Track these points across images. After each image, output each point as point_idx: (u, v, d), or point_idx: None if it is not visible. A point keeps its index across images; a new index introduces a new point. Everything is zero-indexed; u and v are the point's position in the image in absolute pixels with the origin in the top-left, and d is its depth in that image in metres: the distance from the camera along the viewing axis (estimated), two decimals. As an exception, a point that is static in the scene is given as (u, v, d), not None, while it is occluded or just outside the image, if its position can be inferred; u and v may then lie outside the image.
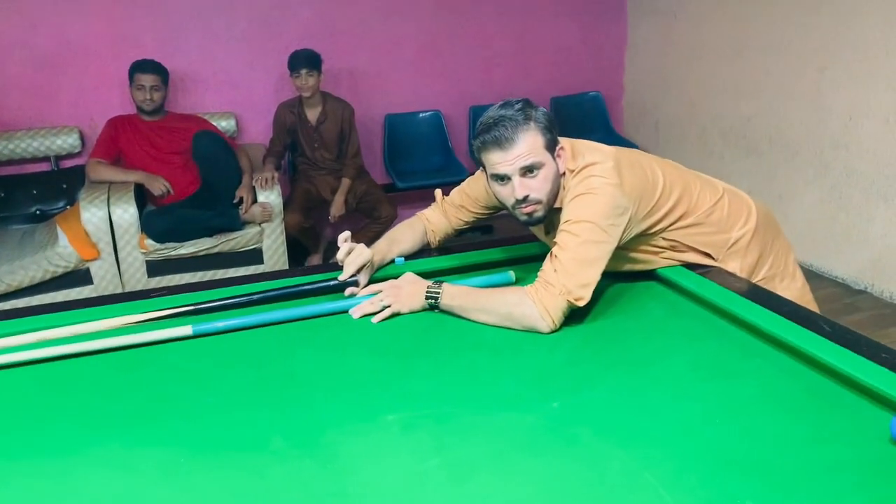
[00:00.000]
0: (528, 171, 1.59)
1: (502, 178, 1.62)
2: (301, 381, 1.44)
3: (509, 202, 1.65)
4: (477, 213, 1.93)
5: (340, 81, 4.45)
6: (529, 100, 1.64)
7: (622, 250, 1.72)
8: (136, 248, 3.67)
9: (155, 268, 3.74)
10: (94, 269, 3.63)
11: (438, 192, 2.01)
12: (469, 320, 1.64)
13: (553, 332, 1.57)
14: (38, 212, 3.95)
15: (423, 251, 1.98)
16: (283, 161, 4.22)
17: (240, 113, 4.35)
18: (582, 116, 5.00)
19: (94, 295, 3.67)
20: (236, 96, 4.35)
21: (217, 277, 3.83)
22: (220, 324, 1.60)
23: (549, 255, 1.63)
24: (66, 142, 4.03)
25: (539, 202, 1.63)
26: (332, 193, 4.09)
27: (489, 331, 1.60)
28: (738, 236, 1.80)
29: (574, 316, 1.62)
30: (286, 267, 3.89)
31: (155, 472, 1.16)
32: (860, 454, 1.15)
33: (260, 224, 3.82)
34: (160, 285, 3.77)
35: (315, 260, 4.16)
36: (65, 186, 3.97)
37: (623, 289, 1.79)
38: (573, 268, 1.57)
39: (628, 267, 1.79)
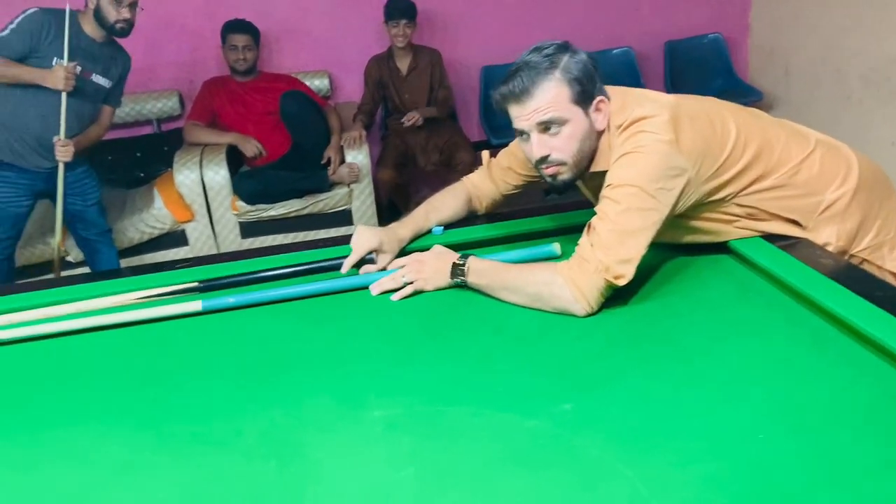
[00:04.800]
0: (546, 127, 1.39)
1: (522, 134, 1.43)
2: (296, 365, 1.32)
3: (532, 161, 1.45)
4: (525, 175, 1.72)
5: (435, 30, 4.26)
6: (568, 44, 1.42)
7: (683, 219, 1.47)
8: (229, 210, 3.71)
9: (248, 229, 3.77)
10: (190, 230, 3.70)
11: (486, 153, 1.82)
12: (497, 300, 1.46)
13: (589, 315, 1.36)
14: (141, 175, 4.07)
15: (467, 219, 1.79)
16: (374, 119, 4.12)
17: (333, 71, 4.27)
18: (700, 62, 4.54)
19: (190, 255, 3.75)
20: (329, 54, 4.26)
21: (308, 239, 3.83)
22: (231, 300, 1.50)
23: (587, 226, 1.41)
24: (167, 105, 4.10)
25: (562, 163, 1.42)
26: (423, 151, 3.97)
27: (518, 314, 1.41)
28: (833, 199, 1.49)
29: (620, 294, 1.40)
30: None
31: (112, 467, 1.08)
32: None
33: (348, 185, 3.75)
34: (253, 246, 3.80)
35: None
36: (166, 149, 4.05)
37: (685, 263, 1.54)
38: (612, 241, 1.35)
39: (692, 238, 1.53)
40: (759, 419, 1.05)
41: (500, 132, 4.16)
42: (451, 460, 1.03)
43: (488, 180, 1.78)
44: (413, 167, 4.05)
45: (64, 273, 3.33)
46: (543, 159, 1.41)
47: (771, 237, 1.50)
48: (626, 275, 1.35)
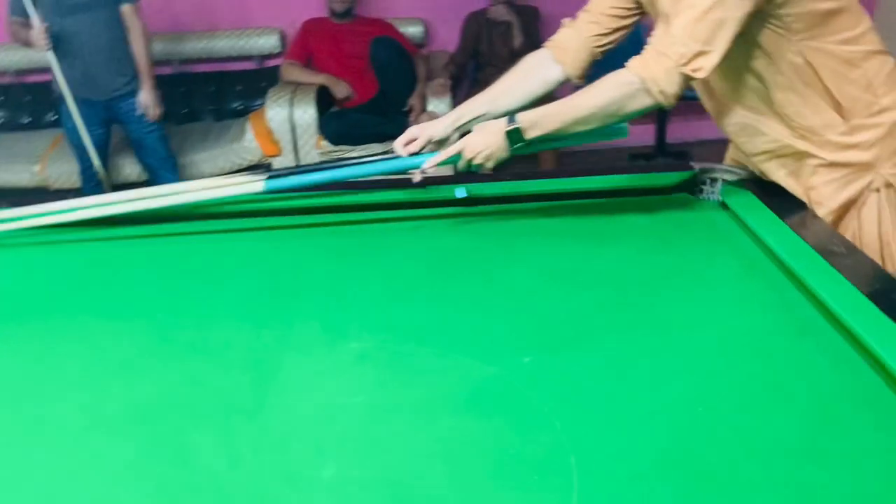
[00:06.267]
0: None
1: None
2: (296, 291, 1.41)
3: None
4: (616, 7, 1.57)
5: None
6: None
7: (747, 37, 1.38)
8: (314, 149, 3.87)
9: (331, 168, 3.92)
10: (276, 164, 3.90)
11: (566, 19, 1.68)
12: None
13: (668, 105, 1.37)
14: (240, 107, 4.29)
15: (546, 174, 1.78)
16: (465, 71, 4.17)
17: (429, 19, 4.32)
18: None
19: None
20: (426, 2, 4.31)
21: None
22: (294, 179, 1.60)
23: (659, 18, 1.39)
24: (268, 42, 4.29)
25: None
26: (509, 104, 3.99)
27: (516, 268, 1.45)
28: (888, 105, 1.40)
29: (624, 257, 1.45)
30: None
31: (114, 363, 1.22)
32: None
33: (428, 134, 3.81)
34: (335, 185, 3.97)
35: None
36: (264, 84, 4.25)
37: (688, 226, 1.53)
38: (700, 31, 1.30)
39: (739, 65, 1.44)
40: (709, 395, 1.07)
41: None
42: (404, 395, 1.10)
43: (573, 32, 1.63)
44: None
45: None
46: None
47: (773, 206, 1.46)
48: (705, 67, 1.32)
